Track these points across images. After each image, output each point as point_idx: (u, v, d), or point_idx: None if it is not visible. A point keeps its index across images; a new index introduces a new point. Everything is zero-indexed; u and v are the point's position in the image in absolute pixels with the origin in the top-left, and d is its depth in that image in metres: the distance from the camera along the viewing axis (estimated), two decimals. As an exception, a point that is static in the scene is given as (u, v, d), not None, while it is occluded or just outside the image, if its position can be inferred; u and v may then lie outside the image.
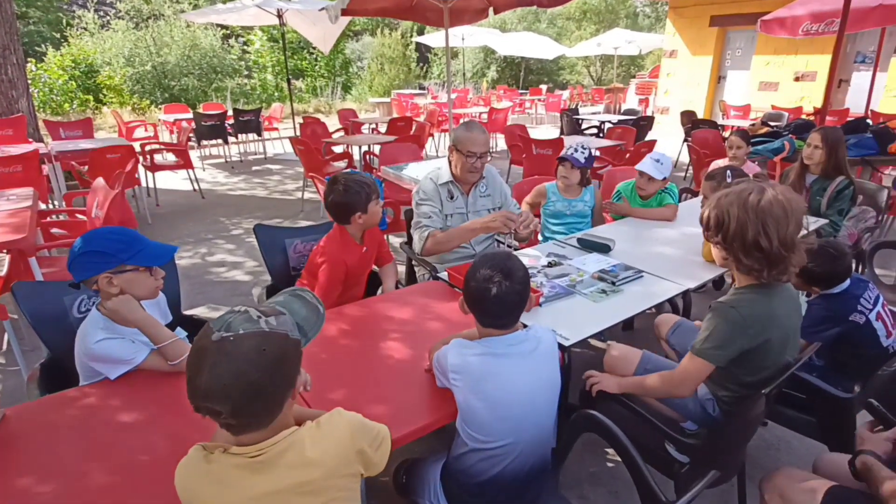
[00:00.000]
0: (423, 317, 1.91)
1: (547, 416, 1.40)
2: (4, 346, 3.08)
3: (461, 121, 9.65)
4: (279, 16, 8.14)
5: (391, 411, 1.39)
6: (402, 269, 3.04)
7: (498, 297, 1.34)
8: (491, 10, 6.44)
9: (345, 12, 5.49)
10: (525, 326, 1.44)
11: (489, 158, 2.56)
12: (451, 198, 2.59)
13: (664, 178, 3.02)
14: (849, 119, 6.93)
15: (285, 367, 0.94)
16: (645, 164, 3.01)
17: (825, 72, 4.89)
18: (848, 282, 1.91)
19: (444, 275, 2.23)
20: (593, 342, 2.89)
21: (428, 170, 2.87)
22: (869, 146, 4.27)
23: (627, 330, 3.16)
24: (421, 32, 19.48)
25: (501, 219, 2.24)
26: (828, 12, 5.93)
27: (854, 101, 9.09)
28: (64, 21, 15.34)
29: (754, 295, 1.45)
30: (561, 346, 1.68)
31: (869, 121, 6.99)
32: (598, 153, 6.03)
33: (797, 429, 1.86)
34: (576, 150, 2.96)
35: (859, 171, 4.35)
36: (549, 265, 2.33)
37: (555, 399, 1.42)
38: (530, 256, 2.44)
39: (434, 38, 14.93)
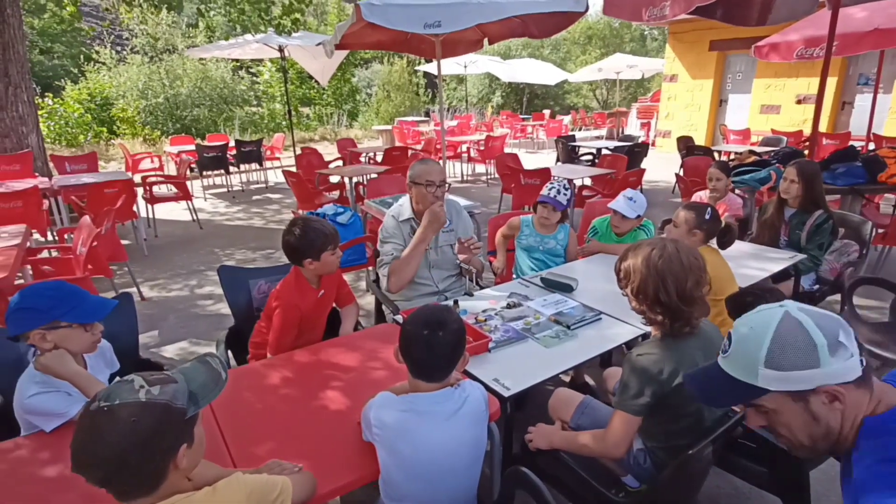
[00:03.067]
0: (369, 364, 1.90)
1: (467, 477, 1.38)
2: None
3: (457, 149, 9.76)
4: (280, 50, 8.36)
5: (314, 467, 1.37)
6: (372, 306, 3.04)
7: (427, 348, 1.35)
8: (486, 39, 6.60)
9: (339, 46, 5.63)
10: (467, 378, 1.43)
11: (448, 187, 2.59)
12: (414, 235, 2.58)
13: (638, 216, 2.96)
14: (850, 143, 6.84)
15: (158, 440, 0.95)
16: (618, 203, 2.95)
17: (827, 94, 4.87)
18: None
19: (400, 317, 2.23)
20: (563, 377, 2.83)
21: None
22: (858, 175, 4.20)
23: (605, 366, 3.10)
24: (430, 60, 19.81)
25: (431, 214, 2.40)
26: (822, 37, 5.90)
27: (859, 123, 9.00)
28: (82, 56, 15.94)
29: (662, 342, 1.48)
30: (501, 397, 1.66)
31: (872, 145, 6.90)
32: (589, 181, 6.05)
33: (751, 480, 1.80)
34: (559, 192, 2.86)
35: (846, 201, 4.28)
36: (508, 307, 2.31)
37: (478, 459, 1.40)
38: (491, 298, 2.43)
39: (436, 67, 15.17)
